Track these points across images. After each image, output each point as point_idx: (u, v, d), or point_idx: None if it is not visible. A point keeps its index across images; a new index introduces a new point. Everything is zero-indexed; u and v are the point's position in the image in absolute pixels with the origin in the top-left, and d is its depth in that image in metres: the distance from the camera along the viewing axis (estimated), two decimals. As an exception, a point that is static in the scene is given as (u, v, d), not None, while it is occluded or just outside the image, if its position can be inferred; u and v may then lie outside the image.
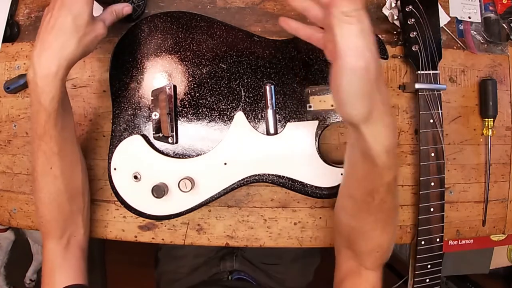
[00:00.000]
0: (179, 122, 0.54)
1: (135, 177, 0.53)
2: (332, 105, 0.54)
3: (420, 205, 0.57)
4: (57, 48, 0.43)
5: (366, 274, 0.50)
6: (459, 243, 0.73)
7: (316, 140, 0.53)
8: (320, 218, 0.61)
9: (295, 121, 0.54)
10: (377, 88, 0.35)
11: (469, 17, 0.62)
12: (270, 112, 0.54)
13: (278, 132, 0.54)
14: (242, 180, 0.54)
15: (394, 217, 0.47)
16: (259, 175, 0.54)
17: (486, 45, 0.62)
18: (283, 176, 0.54)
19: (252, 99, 0.54)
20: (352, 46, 0.32)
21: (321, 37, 0.40)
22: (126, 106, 0.54)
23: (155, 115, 0.54)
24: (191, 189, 0.52)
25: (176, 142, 0.54)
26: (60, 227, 0.51)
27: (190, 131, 0.54)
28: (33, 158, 0.49)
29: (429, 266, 0.58)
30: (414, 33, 0.56)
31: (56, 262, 0.52)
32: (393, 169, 0.41)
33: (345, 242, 0.51)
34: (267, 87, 0.54)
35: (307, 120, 0.54)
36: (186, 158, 0.54)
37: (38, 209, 0.51)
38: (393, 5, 0.56)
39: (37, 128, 0.46)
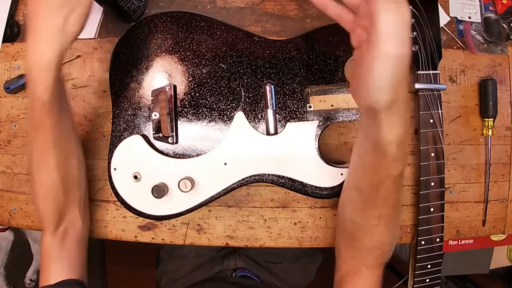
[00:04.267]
0: (179, 122, 0.54)
1: (135, 177, 0.53)
2: (332, 105, 0.54)
3: (420, 205, 0.57)
4: (47, 35, 0.42)
5: (366, 273, 0.50)
6: (459, 243, 0.73)
7: (316, 140, 0.53)
8: (320, 218, 0.61)
9: (295, 121, 0.54)
10: (404, 79, 0.36)
11: (469, 17, 0.62)
12: (270, 112, 0.54)
13: (278, 132, 0.54)
14: (242, 180, 0.54)
15: (398, 214, 0.48)
16: (259, 175, 0.54)
17: (486, 45, 0.62)
18: (283, 176, 0.54)
19: (252, 99, 0.54)
20: (394, 34, 0.33)
21: (351, 19, 0.40)
22: (126, 106, 0.54)
23: (155, 115, 0.54)
24: (191, 189, 0.52)
25: (176, 142, 0.54)
26: (55, 220, 0.51)
27: (190, 131, 0.54)
28: (28, 151, 0.49)
29: (429, 266, 0.58)
30: (414, 33, 0.56)
31: (52, 255, 0.51)
32: (401, 162, 0.41)
33: (348, 240, 0.51)
34: (267, 87, 0.54)
35: (307, 120, 0.54)
36: (186, 158, 0.54)
37: (34, 201, 0.51)
38: (393, 5, 0.56)
39: (32, 119, 0.46)
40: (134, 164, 0.53)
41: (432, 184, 0.57)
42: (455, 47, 0.63)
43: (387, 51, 0.33)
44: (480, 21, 0.63)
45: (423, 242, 0.57)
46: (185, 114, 0.54)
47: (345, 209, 0.50)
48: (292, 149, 0.53)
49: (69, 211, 0.52)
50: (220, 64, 0.54)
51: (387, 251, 0.50)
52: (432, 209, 0.57)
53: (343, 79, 0.54)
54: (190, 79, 0.54)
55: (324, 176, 0.54)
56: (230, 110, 0.54)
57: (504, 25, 0.62)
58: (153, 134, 0.54)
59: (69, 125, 0.51)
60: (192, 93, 0.54)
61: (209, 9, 0.61)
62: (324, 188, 0.54)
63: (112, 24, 0.62)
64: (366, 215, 0.46)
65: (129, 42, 0.54)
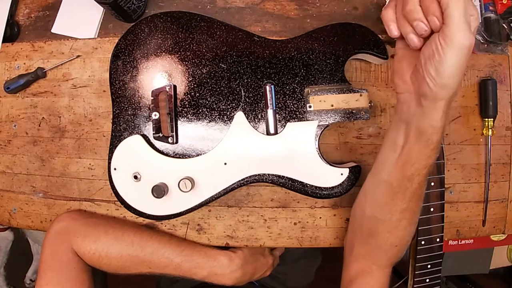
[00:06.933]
0: (179, 122, 0.54)
1: (135, 177, 0.53)
2: (332, 105, 0.54)
3: (420, 205, 0.57)
4: None
5: (377, 272, 0.51)
6: (459, 243, 0.73)
7: (316, 140, 0.53)
8: (320, 218, 0.61)
9: (295, 121, 0.54)
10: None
11: (469, 17, 0.62)
12: (270, 112, 0.54)
13: (278, 132, 0.54)
14: (242, 180, 0.54)
15: (419, 209, 0.48)
16: (259, 175, 0.54)
17: (486, 45, 0.62)
18: (283, 176, 0.54)
19: (252, 99, 0.54)
20: (466, 25, 0.35)
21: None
22: (126, 106, 0.54)
23: (155, 115, 0.54)
24: (191, 189, 0.52)
25: (176, 142, 0.54)
26: None
27: (190, 131, 0.54)
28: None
29: (429, 266, 0.58)
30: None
31: None
32: (438, 149, 0.43)
33: (364, 237, 0.51)
34: (267, 87, 0.54)
35: (307, 120, 0.54)
36: (186, 158, 0.54)
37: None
38: (393, 5, 0.56)
39: None
40: (134, 164, 0.53)
41: (432, 184, 0.56)
42: (455, 47, 0.63)
43: (463, 41, 0.35)
44: (480, 21, 0.63)
45: (423, 242, 0.57)
46: (185, 114, 0.54)
47: (364, 206, 0.50)
48: (292, 149, 0.53)
49: None
50: (220, 64, 0.54)
51: (403, 249, 0.50)
52: (432, 209, 0.57)
53: (343, 79, 0.54)
54: (190, 79, 0.54)
55: (324, 176, 0.54)
56: (230, 110, 0.54)
57: (504, 25, 0.62)
58: (153, 134, 0.54)
59: None
60: (192, 93, 0.54)
61: (209, 9, 0.61)
62: (324, 188, 0.54)
63: (112, 24, 0.62)
64: (390, 209, 0.47)
65: (129, 42, 0.54)
